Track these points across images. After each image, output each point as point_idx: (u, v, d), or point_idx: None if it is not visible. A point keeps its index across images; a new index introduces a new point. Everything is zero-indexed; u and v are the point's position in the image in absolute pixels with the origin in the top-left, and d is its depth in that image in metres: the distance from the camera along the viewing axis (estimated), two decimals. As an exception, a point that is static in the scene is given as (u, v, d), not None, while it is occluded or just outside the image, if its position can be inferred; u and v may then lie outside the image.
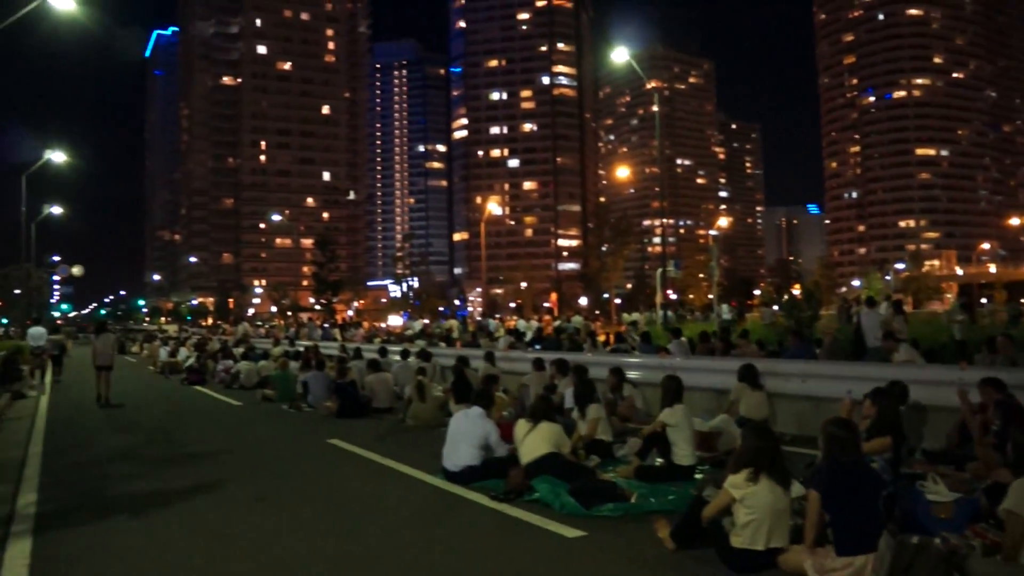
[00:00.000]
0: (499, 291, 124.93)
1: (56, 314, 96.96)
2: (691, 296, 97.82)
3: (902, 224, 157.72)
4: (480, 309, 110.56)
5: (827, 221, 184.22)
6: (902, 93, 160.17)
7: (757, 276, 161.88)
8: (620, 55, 31.86)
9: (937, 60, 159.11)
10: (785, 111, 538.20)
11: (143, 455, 10.12)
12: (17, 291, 57.22)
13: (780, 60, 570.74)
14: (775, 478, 4.93)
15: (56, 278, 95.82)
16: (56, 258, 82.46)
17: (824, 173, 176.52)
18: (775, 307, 32.37)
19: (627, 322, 35.89)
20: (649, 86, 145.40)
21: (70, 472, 9.04)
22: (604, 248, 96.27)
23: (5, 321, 56.07)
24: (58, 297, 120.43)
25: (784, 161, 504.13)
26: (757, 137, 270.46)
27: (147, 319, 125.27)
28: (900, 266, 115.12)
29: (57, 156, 38.70)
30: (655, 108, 43.45)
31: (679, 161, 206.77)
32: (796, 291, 59.63)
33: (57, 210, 51.88)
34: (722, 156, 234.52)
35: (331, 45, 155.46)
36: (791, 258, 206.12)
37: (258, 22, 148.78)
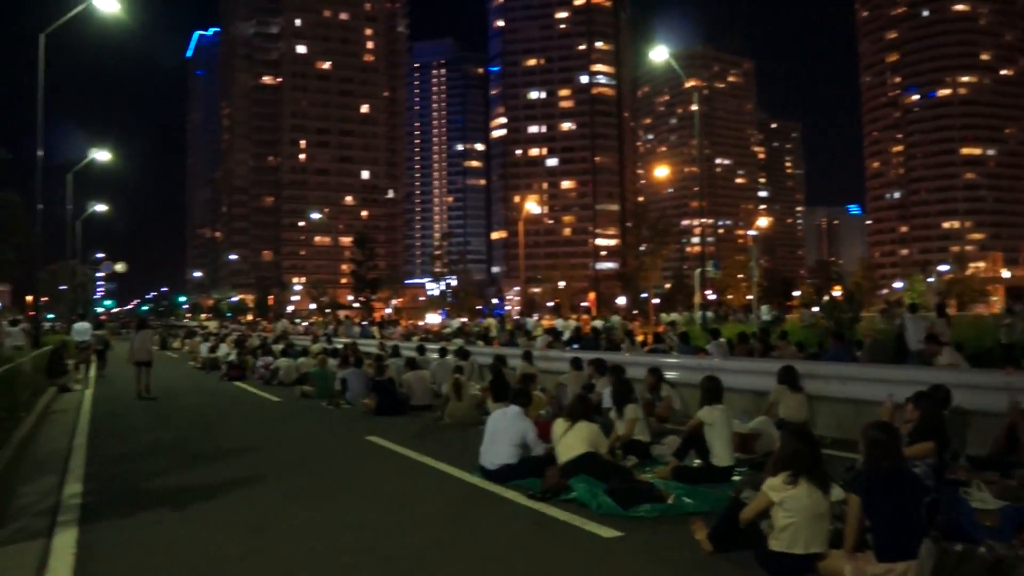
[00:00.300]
0: (537, 290, 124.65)
1: (99, 310, 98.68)
2: (730, 296, 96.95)
3: (946, 225, 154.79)
4: (518, 308, 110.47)
5: (868, 222, 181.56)
6: (947, 91, 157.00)
7: (797, 277, 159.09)
8: (659, 54, 31.65)
9: (984, 57, 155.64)
10: (826, 110, 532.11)
11: (183, 449, 10.28)
12: (63, 287, 58.23)
13: (821, 58, 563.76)
14: (814, 481, 4.87)
15: (100, 274, 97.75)
16: (100, 255, 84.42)
17: (866, 173, 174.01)
18: (815, 308, 32.02)
19: (665, 322, 35.71)
20: (688, 85, 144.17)
21: (113, 464, 9.19)
22: (642, 248, 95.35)
23: (51, 316, 57.13)
24: (102, 293, 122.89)
25: (825, 161, 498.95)
26: (797, 136, 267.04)
27: (188, 315, 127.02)
28: (944, 268, 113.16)
29: (102, 155, 39.41)
30: (694, 107, 43.10)
31: (718, 160, 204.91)
32: (837, 292, 58.75)
33: (101, 208, 52.96)
34: (762, 155, 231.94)
35: (370, 44, 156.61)
36: (832, 259, 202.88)
37: (298, 22, 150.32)
